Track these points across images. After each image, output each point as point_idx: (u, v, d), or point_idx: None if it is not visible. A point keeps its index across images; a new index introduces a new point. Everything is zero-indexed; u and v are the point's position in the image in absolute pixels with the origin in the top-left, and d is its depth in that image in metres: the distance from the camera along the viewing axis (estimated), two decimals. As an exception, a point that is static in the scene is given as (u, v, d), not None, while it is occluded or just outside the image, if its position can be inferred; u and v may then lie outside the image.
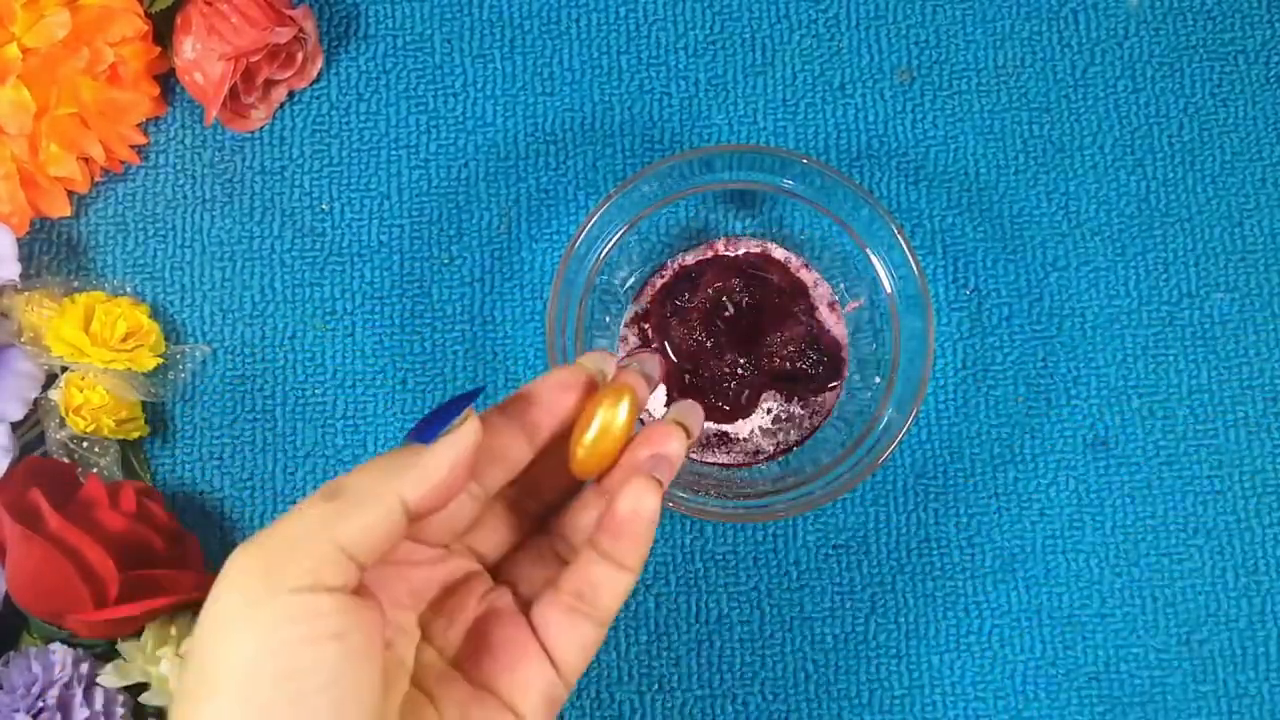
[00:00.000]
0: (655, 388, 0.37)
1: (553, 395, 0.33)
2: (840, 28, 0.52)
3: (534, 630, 0.32)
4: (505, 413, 0.32)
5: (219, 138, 0.51)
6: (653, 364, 0.35)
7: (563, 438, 0.33)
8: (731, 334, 0.46)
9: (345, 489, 0.29)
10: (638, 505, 0.31)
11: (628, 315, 0.49)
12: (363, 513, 0.28)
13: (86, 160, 0.49)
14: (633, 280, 0.49)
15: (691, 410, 0.34)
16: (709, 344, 0.46)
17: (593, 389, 0.33)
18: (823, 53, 0.52)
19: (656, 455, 0.32)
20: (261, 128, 0.51)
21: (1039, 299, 0.50)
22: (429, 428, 0.31)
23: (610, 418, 0.32)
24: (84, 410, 0.46)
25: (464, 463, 0.30)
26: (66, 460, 0.47)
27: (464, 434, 0.30)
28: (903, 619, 0.48)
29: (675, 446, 0.33)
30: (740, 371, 0.46)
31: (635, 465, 0.32)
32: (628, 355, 0.33)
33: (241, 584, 0.27)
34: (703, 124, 0.51)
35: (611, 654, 0.48)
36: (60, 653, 0.43)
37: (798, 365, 0.46)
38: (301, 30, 0.48)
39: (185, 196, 0.51)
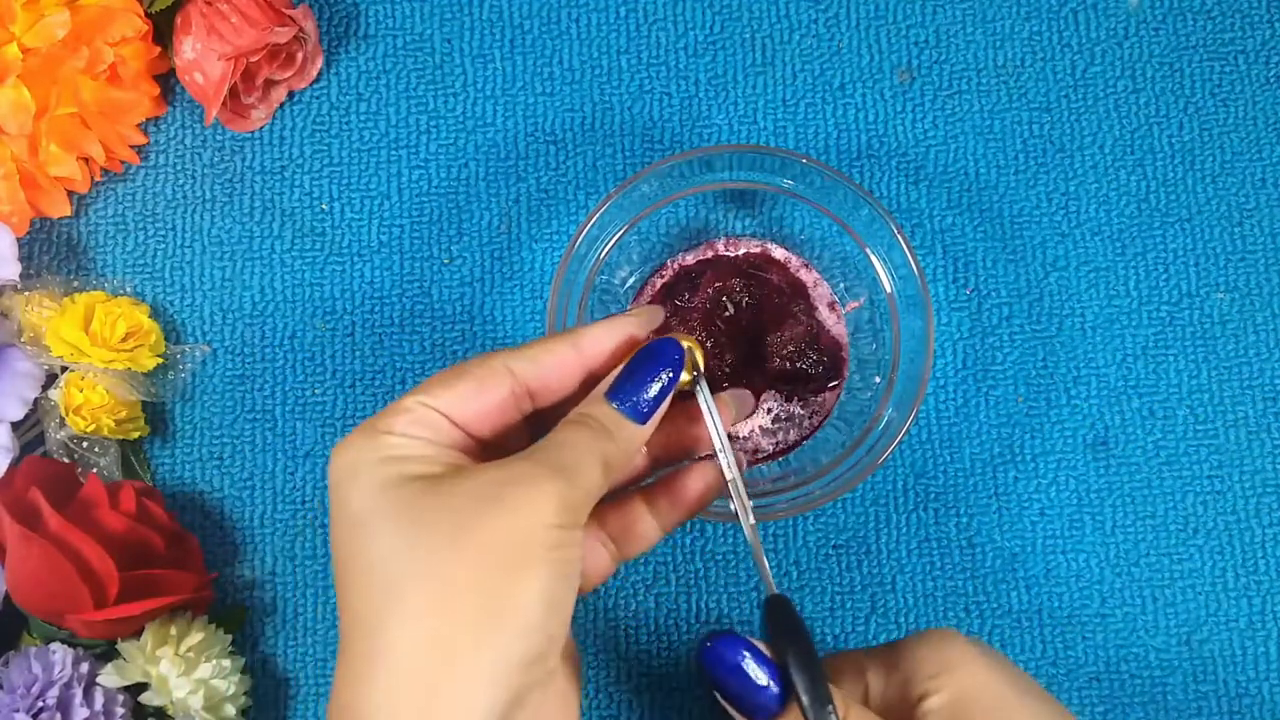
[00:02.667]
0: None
1: (619, 346, 0.35)
2: (840, 28, 0.52)
3: None
4: (577, 348, 0.35)
5: (219, 138, 0.51)
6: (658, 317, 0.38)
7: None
8: (731, 334, 0.46)
9: (564, 463, 0.32)
10: (706, 483, 0.37)
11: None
12: (584, 479, 0.32)
13: (86, 160, 0.49)
14: (633, 280, 0.49)
15: (744, 397, 0.39)
16: (709, 344, 0.46)
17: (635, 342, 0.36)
18: (823, 53, 0.52)
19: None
20: (261, 128, 0.51)
21: (1039, 299, 0.50)
22: (637, 394, 0.34)
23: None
24: (84, 410, 0.46)
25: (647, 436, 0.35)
26: (66, 460, 0.47)
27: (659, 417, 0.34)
28: (903, 619, 0.48)
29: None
30: (740, 371, 0.46)
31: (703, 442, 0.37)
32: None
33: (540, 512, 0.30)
34: (703, 124, 0.51)
35: (611, 654, 0.48)
36: (60, 653, 0.43)
37: (798, 365, 0.46)
38: (301, 30, 0.48)
39: (185, 196, 0.51)
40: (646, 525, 0.37)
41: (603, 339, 0.35)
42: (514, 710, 0.29)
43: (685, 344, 0.35)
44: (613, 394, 0.34)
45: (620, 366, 0.35)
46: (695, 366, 0.36)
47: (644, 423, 0.34)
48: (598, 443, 0.33)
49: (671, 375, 0.34)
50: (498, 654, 0.29)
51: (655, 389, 0.34)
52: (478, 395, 0.33)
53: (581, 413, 0.34)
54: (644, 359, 0.35)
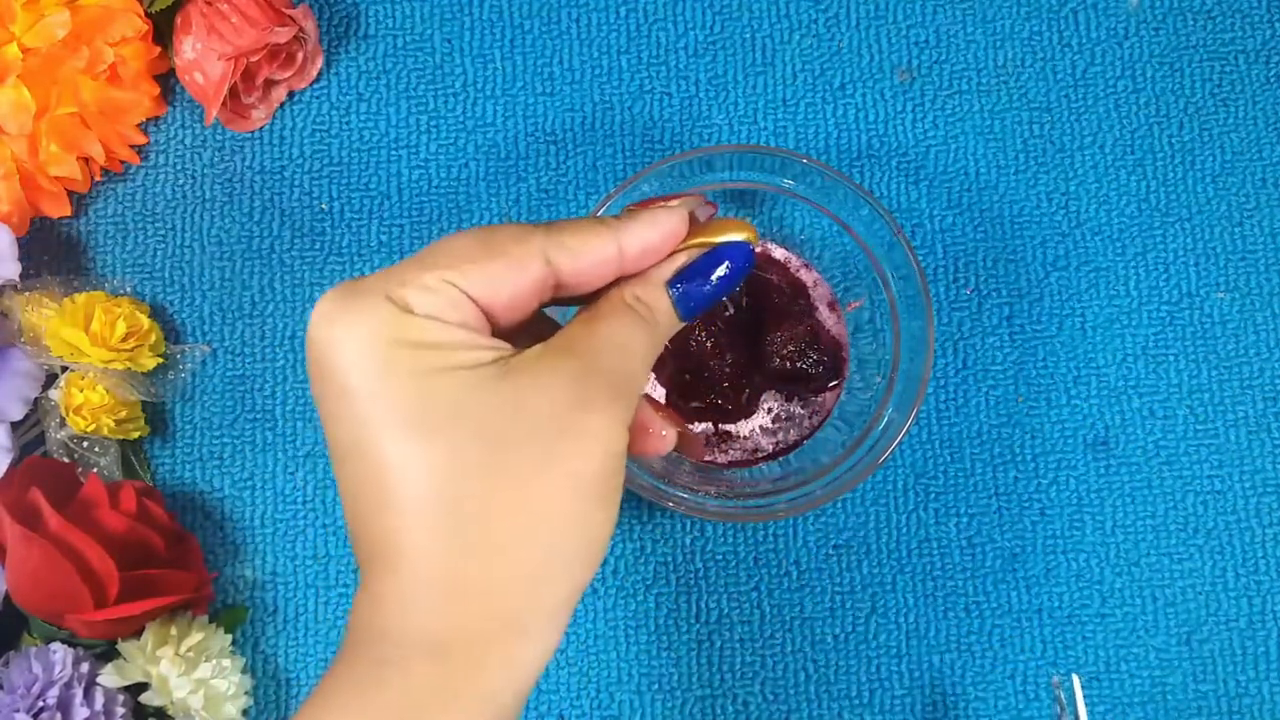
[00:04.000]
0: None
1: (665, 244, 0.32)
2: (840, 28, 0.52)
3: None
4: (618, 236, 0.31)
5: (219, 138, 0.51)
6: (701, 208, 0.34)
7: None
8: (731, 334, 0.46)
9: (627, 377, 0.29)
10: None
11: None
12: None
13: (86, 160, 0.49)
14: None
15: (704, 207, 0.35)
16: (709, 344, 0.46)
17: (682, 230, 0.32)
18: (823, 53, 0.52)
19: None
20: (261, 128, 0.51)
21: (1039, 299, 0.50)
22: (700, 293, 0.31)
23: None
24: (84, 410, 0.46)
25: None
26: (66, 460, 0.47)
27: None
28: (903, 619, 0.48)
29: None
30: (740, 371, 0.46)
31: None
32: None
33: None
34: (703, 124, 0.51)
35: (611, 654, 0.48)
36: (60, 653, 0.43)
37: (798, 365, 0.46)
38: (301, 30, 0.48)
39: (185, 196, 0.51)
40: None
41: (648, 238, 0.31)
42: None
43: (746, 237, 0.32)
44: (678, 284, 0.31)
45: (693, 247, 0.31)
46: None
47: (689, 320, 0.32)
48: (650, 340, 0.30)
49: (736, 281, 0.32)
50: (571, 583, 0.28)
51: (715, 293, 0.32)
52: (512, 279, 0.29)
53: (636, 298, 0.30)
54: (721, 258, 0.31)
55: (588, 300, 0.32)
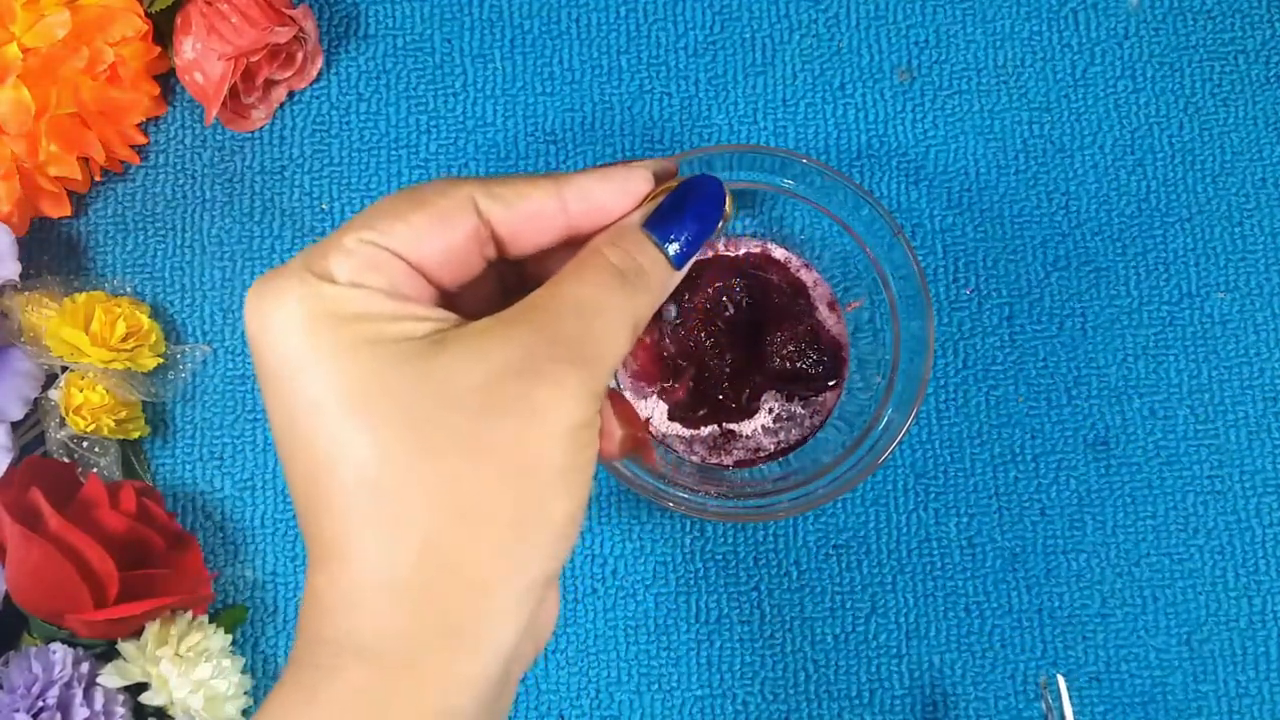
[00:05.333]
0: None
1: (617, 201, 0.28)
2: (840, 28, 0.52)
3: None
4: (561, 195, 0.27)
5: (219, 138, 0.51)
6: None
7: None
8: (732, 334, 0.46)
9: (592, 340, 0.25)
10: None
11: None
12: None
13: (86, 160, 0.49)
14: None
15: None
16: (709, 344, 0.46)
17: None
18: (823, 53, 0.52)
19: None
20: (261, 128, 0.51)
21: (1039, 299, 0.50)
22: (683, 231, 0.28)
23: None
24: (84, 410, 0.46)
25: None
26: (66, 460, 0.47)
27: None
28: (903, 619, 0.48)
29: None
30: (740, 371, 0.46)
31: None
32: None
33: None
34: (703, 124, 0.51)
35: (611, 654, 0.48)
36: (60, 653, 0.43)
37: (798, 365, 0.46)
38: (301, 30, 0.48)
39: (185, 196, 0.51)
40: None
41: (595, 193, 0.27)
42: (530, 624, 0.25)
43: (710, 176, 0.30)
44: (655, 226, 0.27)
45: (659, 195, 0.28)
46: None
47: (681, 267, 0.28)
48: (631, 297, 0.26)
49: (716, 215, 0.28)
50: (529, 576, 0.24)
51: (700, 228, 0.28)
52: (439, 232, 0.26)
53: (612, 247, 0.27)
54: (691, 190, 0.28)
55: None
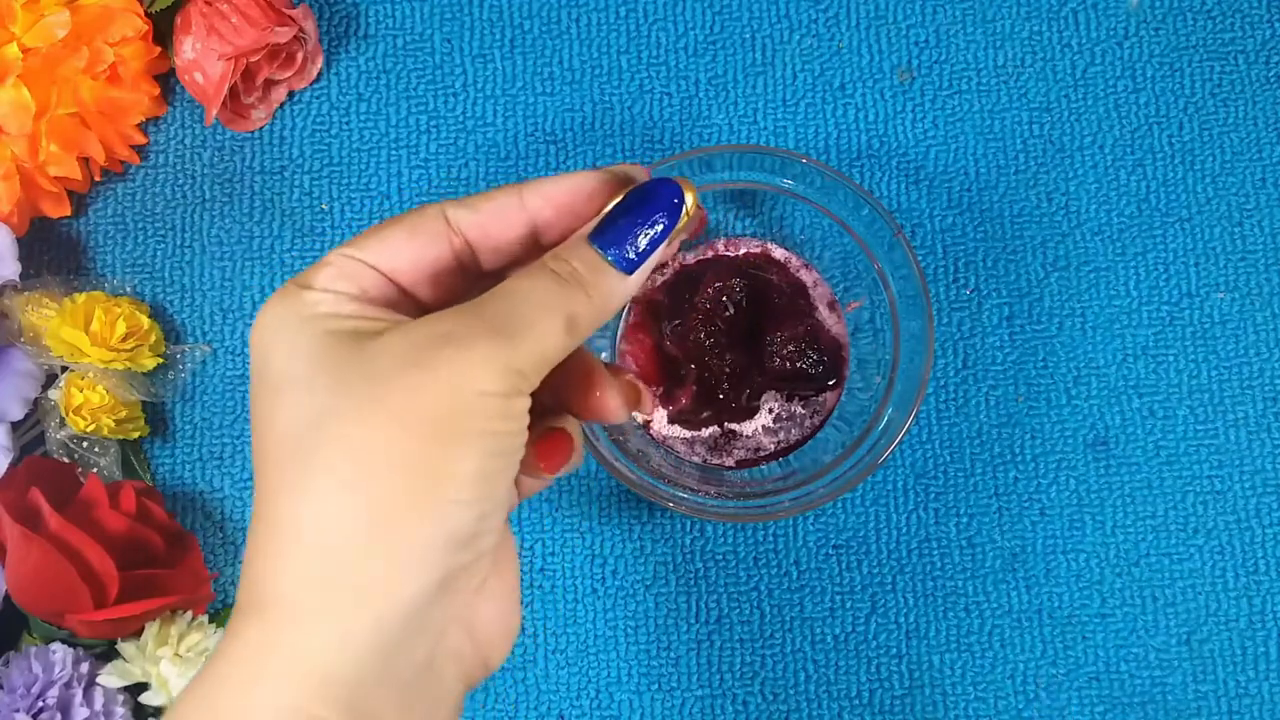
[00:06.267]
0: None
1: (572, 199, 0.30)
2: (840, 28, 0.52)
3: None
4: (523, 202, 0.30)
5: (219, 138, 0.51)
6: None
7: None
8: (732, 334, 0.46)
9: (509, 317, 0.27)
10: None
11: (628, 315, 0.49)
12: (533, 341, 0.27)
13: (86, 160, 0.49)
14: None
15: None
16: (709, 344, 0.46)
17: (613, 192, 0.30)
18: (823, 53, 0.52)
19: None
20: (261, 128, 0.51)
21: (1039, 299, 0.50)
22: (628, 238, 0.29)
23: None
24: (84, 410, 0.46)
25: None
26: (66, 460, 0.47)
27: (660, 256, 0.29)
28: (903, 619, 0.48)
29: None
30: (740, 372, 0.46)
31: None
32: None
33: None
34: (703, 124, 0.51)
35: (611, 654, 0.48)
36: (60, 653, 0.43)
37: (798, 365, 0.46)
38: (301, 30, 0.48)
39: (185, 196, 0.51)
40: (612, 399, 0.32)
41: (552, 192, 0.29)
42: (441, 594, 0.26)
43: (682, 187, 0.30)
44: (598, 235, 0.29)
45: (609, 205, 0.29)
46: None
47: (631, 272, 0.29)
48: (564, 294, 0.27)
49: (668, 221, 0.29)
50: (424, 532, 0.25)
51: (650, 234, 0.29)
52: (409, 243, 0.28)
53: (553, 255, 0.28)
54: (641, 197, 0.29)
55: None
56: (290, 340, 0.27)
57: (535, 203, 0.29)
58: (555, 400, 0.32)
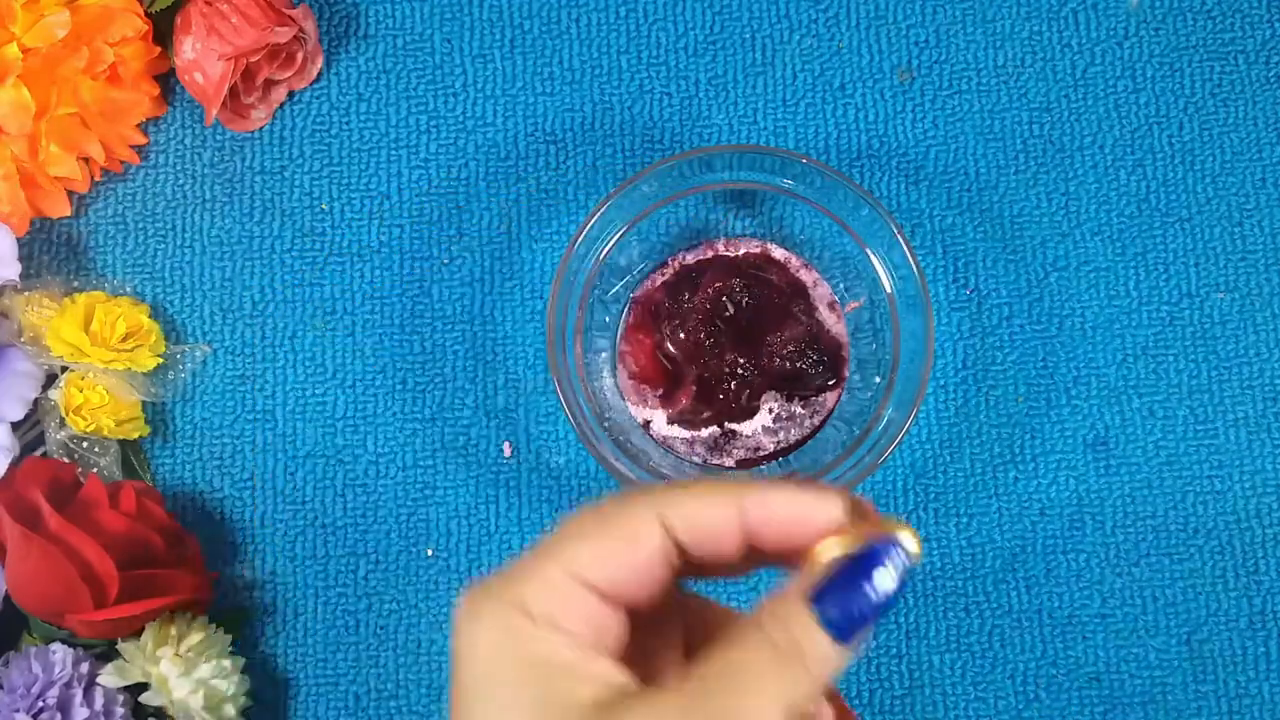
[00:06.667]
0: None
1: (800, 526, 0.27)
2: (840, 28, 0.52)
3: None
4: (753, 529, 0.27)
5: (219, 138, 0.51)
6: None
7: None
8: (731, 334, 0.46)
9: (732, 712, 0.24)
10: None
11: (628, 315, 0.49)
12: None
13: (86, 160, 0.49)
14: (633, 280, 0.49)
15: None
16: (709, 344, 0.46)
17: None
18: (823, 53, 0.52)
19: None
20: (261, 128, 0.51)
21: (1039, 299, 0.50)
22: (853, 604, 0.24)
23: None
24: (84, 410, 0.46)
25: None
26: (66, 460, 0.47)
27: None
28: (903, 619, 0.48)
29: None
30: (740, 372, 0.46)
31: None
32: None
33: None
34: (703, 124, 0.51)
35: (611, 654, 0.48)
36: (60, 653, 0.43)
37: (798, 365, 0.46)
38: (301, 30, 0.48)
39: (185, 196, 0.51)
40: None
41: (777, 510, 0.26)
42: None
43: (906, 537, 0.25)
44: (821, 599, 0.25)
45: (830, 563, 0.25)
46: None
47: (849, 644, 0.24)
48: (786, 684, 0.24)
49: (899, 595, 0.25)
50: None
51: (876, 605, 0.24)
52: (628, 556, 0.25)
53: (770, 615, 0.25)
54: (872, 561, 0.25)
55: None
56: (513, 686, 0.24)
57: (757, 517, 0.26)
58: None
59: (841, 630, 0.24)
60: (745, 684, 0.24)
